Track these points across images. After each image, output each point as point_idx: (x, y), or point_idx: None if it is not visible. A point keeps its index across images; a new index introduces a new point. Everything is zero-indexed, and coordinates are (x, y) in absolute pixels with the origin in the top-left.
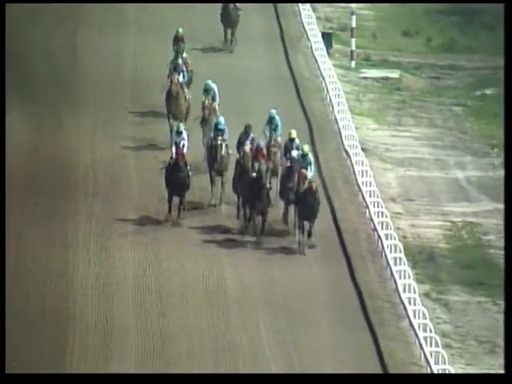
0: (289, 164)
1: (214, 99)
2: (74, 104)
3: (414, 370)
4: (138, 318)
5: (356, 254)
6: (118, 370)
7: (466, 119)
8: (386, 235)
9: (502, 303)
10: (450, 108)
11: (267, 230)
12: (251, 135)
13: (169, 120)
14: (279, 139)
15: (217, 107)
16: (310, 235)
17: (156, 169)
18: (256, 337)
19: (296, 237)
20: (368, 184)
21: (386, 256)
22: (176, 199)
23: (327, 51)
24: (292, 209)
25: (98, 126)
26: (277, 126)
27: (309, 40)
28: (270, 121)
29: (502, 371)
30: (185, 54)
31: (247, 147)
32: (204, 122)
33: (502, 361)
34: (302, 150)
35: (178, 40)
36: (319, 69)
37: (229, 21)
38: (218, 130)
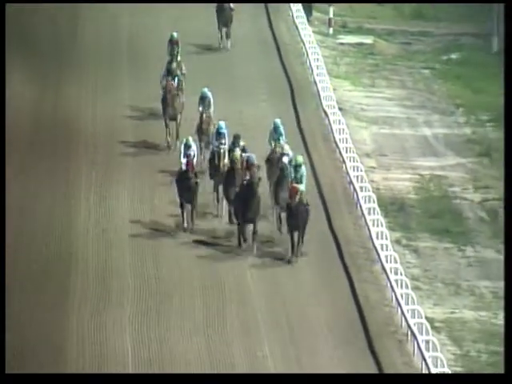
0: (279, 172)
1: (209, 107)
2: (75, 64)
3: (386, 310)
4: (133, 263)
5: (333, 205)
6: (116, 310)
7: (434, 81)
8: (361, 187)
9: (466, 249)
10: (419, 71)
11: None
12: (241, 144)
13: (165, 121)
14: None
15: (212, 115)
16: (300, 243)
17: (151, 124)
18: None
19: (289, 245)
20: (344, 141)
21: (360, 206)
22: (188, 207)
23: (307, 19)
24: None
25: (98, 83)
26: (281, 135)
27: (290, 9)
28: (275, 130)
29: (465, 312)
30: (179, 58)
31: (237, 153)
32: (200, 131)
33: (466, 302)
34: (296, 161)
35: (172, 43)
36: (300, 35)
37: (224, 19)
38: (219, 134)
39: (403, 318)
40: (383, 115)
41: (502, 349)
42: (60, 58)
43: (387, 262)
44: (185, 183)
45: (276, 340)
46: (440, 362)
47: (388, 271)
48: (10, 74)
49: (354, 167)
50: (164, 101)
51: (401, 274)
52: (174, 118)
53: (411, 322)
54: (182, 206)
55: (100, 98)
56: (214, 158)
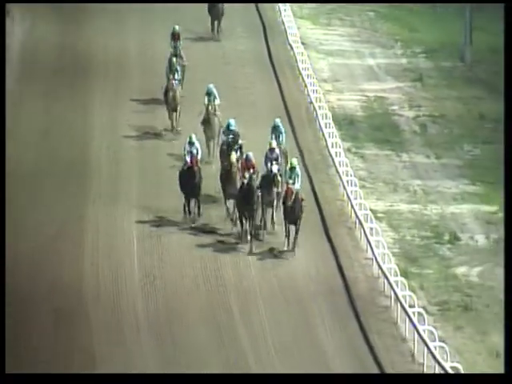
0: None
1: (214, 100)
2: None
3: (338, 204)
4: (143, 166)
5: (297, 120)
6: (123, 210)
7: (378, 22)
8: (319, 106)
9: (402, 155)
10: (366, 13)
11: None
12: (240, 142)
13: (169, 112)
14: (283, 146)
15: (217, 107)
16: (296, 233)
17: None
18: None
19: (284, 238)
20: (306, 69)
21: (319, 122)
22: (192, 202)
23: None
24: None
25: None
26: (281, 134)
27: None
28: (275, 129)
29: (401, 205)
30: (181, 50)
31: (233, 157)
32: (205, 121)
33: (403, 197)
34: (291, 164)
35: (174, 37)
36: None
37: (216, 13)
38: (230, 131)
39: (352, 210)
40: (337, 48)
41: (431, 234)
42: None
43: (340, 166)
44: (190, 179)
45: None
46: (382, 244)
47: (340, 173)
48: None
49: (313, 90)
50: (166, 95)
51: (350, 176)
52: (175, 110)
53: (359, 213)
54: (187, 203)
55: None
56: (228, 148)
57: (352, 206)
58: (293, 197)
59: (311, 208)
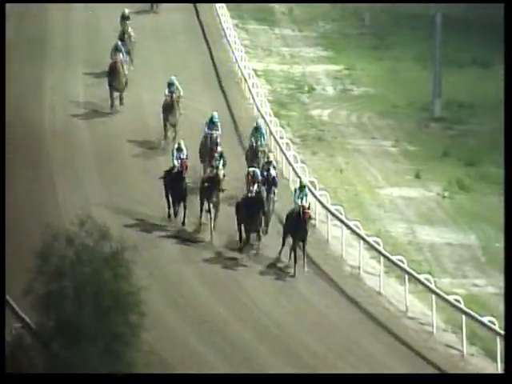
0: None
1: (176, 91)
2: None
3: (229, 65)
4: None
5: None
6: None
7: None
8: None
9: (275, 29)
10: None
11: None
12: (220, 150)
13: (111, 91)
14: (263, 147)
15: (180, 98)
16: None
17: None
18: None
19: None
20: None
21: (216, 8)
22: (177, 207)
23: None
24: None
25: None
26: (262, 135)
27: None
28: (256, 130)
29: (274, 65)
30: (131, 33)
31: (221, 172)
32: (168, 107)
33: (275, 59)
34: (300, 183)
35: (123, 19)
36: None
37: None
38: (213, 123)
39: (239, 71)
40: None
41: (295, 86)
42: None
43: (229, 36)
44: (178, 184)
45: None
46: (262, 103)
47: (230, 42)
48: None
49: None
50: (110, 75)
51: (236, 43)
52: (119, 90)
53: (244, 71)
54: (173, 206)
55: None
56: (207, 141)
57: (239, 67)
58: (308, 216)
59: (209, 70)
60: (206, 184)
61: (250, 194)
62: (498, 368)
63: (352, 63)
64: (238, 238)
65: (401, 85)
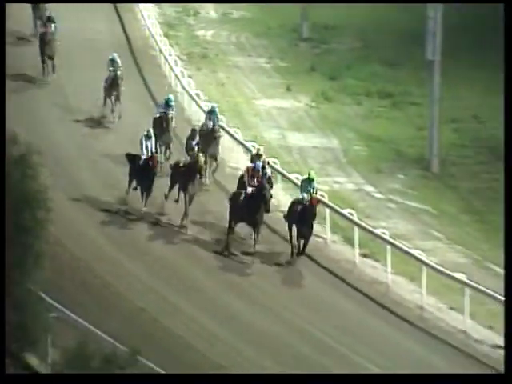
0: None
1: (118, 68)
2: None
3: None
4: None
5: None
6: None
7: None
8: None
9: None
10: None
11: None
12: (197, 138)
13: (43, 60)
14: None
15: (119, 73)
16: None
17: None
18: None
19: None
20: (150, 17)
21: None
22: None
23: None
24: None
25: None
26: (216, 117)
27: None
28: (210, 112)
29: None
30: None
31: (202, 159)
32: (113, 83)
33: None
34: (309, 175)
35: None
36: None
37: None
38: (169, 106)
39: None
40: None
41: (182, 10)
42: None
43: (148, 18)
44: (145, 172)
45: None
46: (153, 24)
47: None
48: None
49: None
50: (41, 43)
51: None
52: (51, 58)
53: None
54: (136, 189)
55: None
56: (162, 120)
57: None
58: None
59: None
60: (181, 169)
61: (252, 188)
62: (356, 255)
63: None
64: (226, 233)
65: (274, 9)
